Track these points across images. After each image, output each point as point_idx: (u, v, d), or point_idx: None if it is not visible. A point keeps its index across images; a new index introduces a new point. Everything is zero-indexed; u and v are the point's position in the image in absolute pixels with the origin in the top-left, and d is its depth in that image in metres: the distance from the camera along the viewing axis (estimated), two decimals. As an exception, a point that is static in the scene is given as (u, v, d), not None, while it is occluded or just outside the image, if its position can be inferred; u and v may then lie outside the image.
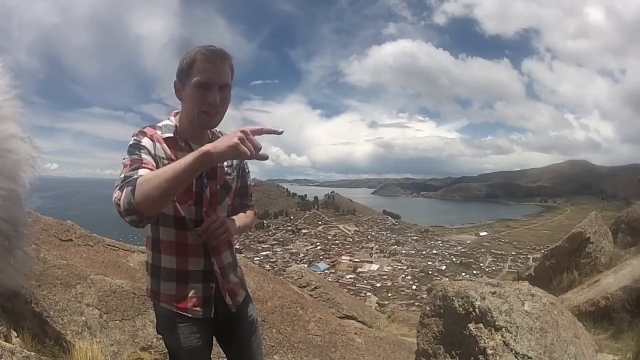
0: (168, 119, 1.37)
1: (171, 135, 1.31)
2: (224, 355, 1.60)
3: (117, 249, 3.87)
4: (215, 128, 1.42)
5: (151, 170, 1.14)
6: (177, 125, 1.35)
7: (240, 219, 1.48)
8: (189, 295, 1.36)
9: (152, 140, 1.25)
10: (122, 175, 1.12)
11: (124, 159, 1.18)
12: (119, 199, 1.06)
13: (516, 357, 1.84)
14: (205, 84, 1.24)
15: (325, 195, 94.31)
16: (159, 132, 1.30)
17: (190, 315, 1.37)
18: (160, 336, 2.63)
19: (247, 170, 1.55)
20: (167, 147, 1.28)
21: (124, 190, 1.06)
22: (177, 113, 1.38)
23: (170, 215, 1.32)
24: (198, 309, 1.38)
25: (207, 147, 1.03)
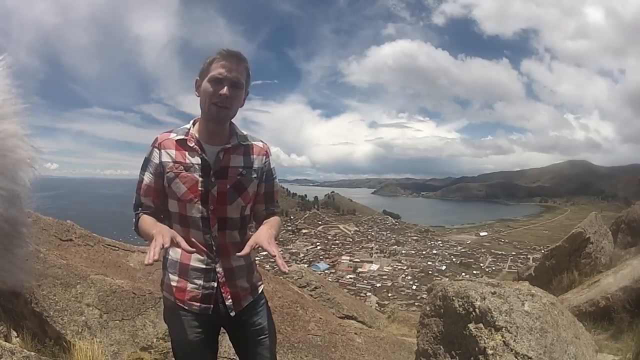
0: (189, 123, 1.48)
1: (182, 137, 1.41)
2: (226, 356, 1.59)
3: (117, 249, 3.87)
4: (239, 130, 1.47)
5: (146, 192, 1.44)
6: (192, 127, 1.45)
7: (272, 224, 1.48)
8: (188, 289, 1.40)
9: (158, 149, 1.42)
10: (134, 199, 1.46)
11: (139, 171, 1.46)
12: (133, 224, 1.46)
13: (516, 357, 1.84)
14: (218, 78, 1.34)
15: (325, 195, 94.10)
16: (172, 135, 1.43)
17: (187, 308, 1.40)
18: (160, 336, 2.63)
19: (273, 175, 1.55)
20: (174, 151, 1.41)
21: (133, 222, 1.45)
22: (199, 118, 1.48)
23: (176, 213, 1.41)
24: (196, 303, 1.40)
25: (155, 232, 1.26)
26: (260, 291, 1.56)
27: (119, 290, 2.93)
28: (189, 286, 1.40)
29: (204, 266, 1.40)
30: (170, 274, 1.43)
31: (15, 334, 2.59)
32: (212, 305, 1.41)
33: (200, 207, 1.38)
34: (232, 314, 1.43)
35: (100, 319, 2.72)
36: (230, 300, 1.43)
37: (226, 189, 1.40)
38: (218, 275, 1.41)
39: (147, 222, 1.39)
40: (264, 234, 1.33)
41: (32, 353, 1.97)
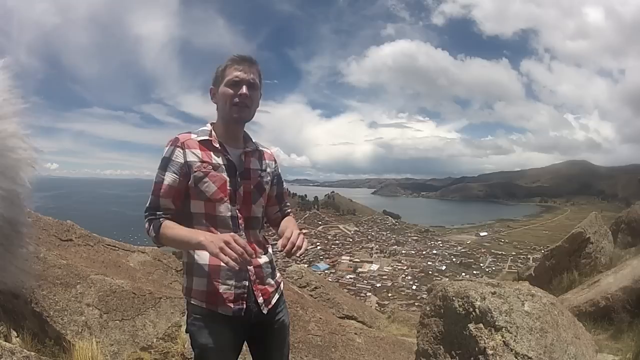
0: (205, 126, 1.50)
1: (206, 138, 1.45)
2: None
3: (117, 249, 3.87)
4: (253, 139, 1.56)
5: (167, 193, 1.38)
6: (213, 130, 1.48)
7: (293, 224, 1.57)
8: (220, 291, 1.39)
9: (182, 149, 1.40)
10: (149, 201, 1.40)
11: (157, 172, 1.42)
12: (147, 231, 1.39)
13: (516, 357, 1.84)
14: (235, 81, 1.41)
15: (325, 195, 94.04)
16: (193, 136, 1.44)
17: (220, 312, 1.39)
18: (160, 336, 2.62)
19: (282, 179, 1.67)
20: (200, 151, 1.42)
21: (150, 228, 1.38)
22: (213, 123, 1.52)
23: (201, 213, 1.41)
24: (229, 305, 1.39)
25: (202, 239, 1.25)
26: (282, 289, 1.60)
27: (119, 290, 2.93)
28: (222, 288, 1.39)
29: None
30: (197, 279, 1.40)
31: (15, 334, 2.59)
32: (244, 306, 1.41)
33: (229, 206, 1.41)
34: (265, 311, 1.46)
35: (100, 319, 2.72)
36: (261, 297, 1.45)
37: (250, 189, 1.47)
38: (249, 273, 1.43)
39: (178, 228, 1.35)
40: (293, 229, 1.42)
41: (32, 353, 1.97)
